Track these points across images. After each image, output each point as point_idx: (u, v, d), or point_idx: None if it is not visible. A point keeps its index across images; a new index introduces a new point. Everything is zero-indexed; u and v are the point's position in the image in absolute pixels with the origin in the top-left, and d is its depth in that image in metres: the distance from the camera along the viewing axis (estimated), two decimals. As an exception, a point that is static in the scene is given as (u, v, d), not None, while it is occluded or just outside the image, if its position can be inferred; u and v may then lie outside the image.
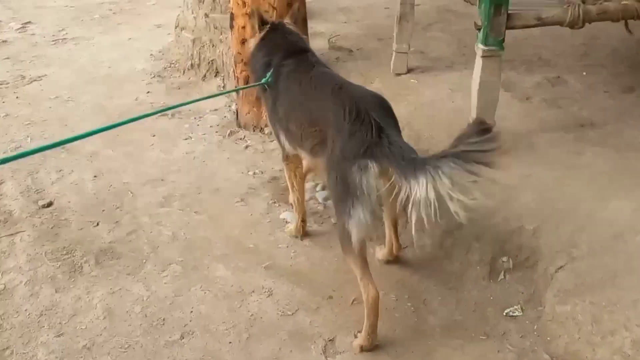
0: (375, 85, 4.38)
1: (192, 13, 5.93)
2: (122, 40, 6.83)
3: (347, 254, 2.58)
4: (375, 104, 2.61)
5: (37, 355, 2.68)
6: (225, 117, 4.91)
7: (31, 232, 3.51)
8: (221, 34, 5.62)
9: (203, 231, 3.46)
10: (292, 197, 3.40)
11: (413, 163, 2.25)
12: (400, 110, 3.88)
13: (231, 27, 4.71)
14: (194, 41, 5.82)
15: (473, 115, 3.43)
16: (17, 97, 5.39)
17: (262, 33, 3.23)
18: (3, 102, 5.33)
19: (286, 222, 3.49)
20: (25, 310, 2.95)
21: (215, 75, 5.64)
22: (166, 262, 3.21)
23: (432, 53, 5.09)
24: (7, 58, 6.42)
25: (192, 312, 2.86)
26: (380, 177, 2.39)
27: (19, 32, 7.27)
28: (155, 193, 3.85)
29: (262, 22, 3.27)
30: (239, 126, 4.72)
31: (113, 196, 3.84)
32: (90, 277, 3.13)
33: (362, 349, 2.61)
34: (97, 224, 3.56)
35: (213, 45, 5.69)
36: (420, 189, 2.16)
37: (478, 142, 2.15)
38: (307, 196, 3.75)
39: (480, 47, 3.37)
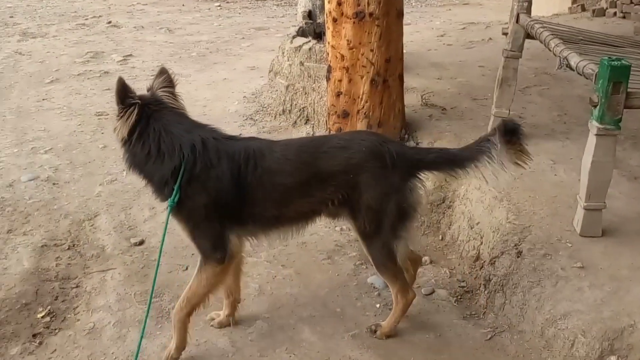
0: (471, 149, 4.26)
1: (288, 60, 6.03)
2: (217, 80, 7.04)
3: (393, 271, 2.85)
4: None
5: (121, 404, 2.68)
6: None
7: (122, 271, 3.57)
8: (314, 83, 5.68)
9: (290, 288, 3.41)
10: (187, 314, 2.89)
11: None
12: (498, 179, 3.77)
13: (327, 79, 4.76)
14: (287, 87, 5.91)
15: (582, 195, 3.25)
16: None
17: (132, 118, 2.63)
18: (102, 134, 5.55)
19: (374, 287, 3.40)
20: (112, 353, 2.98)
21: (306, 123, 5.67)
22: (252, 318, 3.17)
23: (530, 119, 4.92)
24: (108, 89, 6.72)
25: (276, 375, 2.80)
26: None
27: (120, 64, 7.64)
28: (243, 240, 3.84)
29: (126, 97, 2.64)
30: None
31: (202, 240, 3.86)
32: (177, 325, 3.12)
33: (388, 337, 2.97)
34: (186, 268, 3.58)
35: (306, 93, 5.74)
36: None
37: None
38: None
39: (594, 125, 3.21)
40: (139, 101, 2.66)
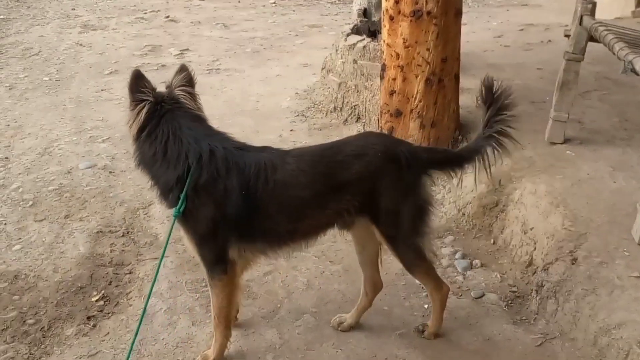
0: (527, 153, 4.17)
1: (341, 57, 6.03)
2: (271, 76, 7.10)
3: (423, 268, 2.87)
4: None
5: (170, 388, 2.74)
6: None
7: (174, 259, 3.65)
8: (367, 81, 5.67)
9: (337, 284, 3.42)
10: (223, 328, 2.82)
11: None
12: (554, 184, 3.68)
13: (381, 77, 4.73)
14: (339, 85, 5.91)
15: (644, 207, 3.14)
16: (170, 121, 5.71)
17: (142, 115, 2.57)
18: (158, 125, 5.67)
19: (422, 287, 3.36)
20: (163, 339, 3.05)
21: (357, 121, 5.67)
22: (300, 311, 3.19)
23: (590, 124, 4.78)
24: (164, 82, 6.84)
25: (322, 370, 2.80)
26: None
27: (177, 58, 7.79)
28: (292, 236, 3.87)
29: (138, 91, 2.58)
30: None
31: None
32: (225, 315, 3.17)
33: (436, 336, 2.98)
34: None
35: (358, 91, 5.73)
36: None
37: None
38: (445, 263, 3.62)
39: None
40: (150, 98, 2.59)
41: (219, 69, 7.39)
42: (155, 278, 2.77)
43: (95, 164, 4.87)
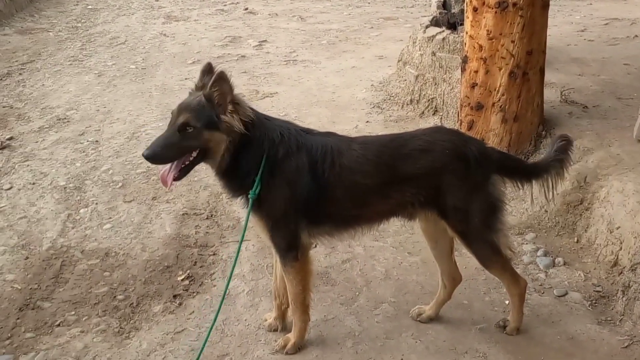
0: (614, 150, 4.02)
1: (419, 49, 5.99)
2: (346, 68, 7.14)
3: (499, 263, 2.85)
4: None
5: (252, 368, 2.84)
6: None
7: (256, 243, 3.76)
8: (445, 73, 5.60)
9: (416, 275, 3.43)
10: (301, 314, 2.88)
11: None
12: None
13: (462, 69, 4.66)
14: (416, 77, 5.87)
15: None
16: (250, 111, 5.85)
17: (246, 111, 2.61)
18: (238, 114, 5.83)
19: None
20: (245, 320, 3.15)
21: (434, 114, 5.62)
22: (379, 300, 3.23)
23: (682, 122, 4.56)
24: (245, 72, 7.05)
25: (402, 359, 2.82)
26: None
27: (256, 49, 7.96)
28: (370, 225, 3.91)
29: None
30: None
31: (330, 221, 3.97)
32: (305, 299, 3.25)
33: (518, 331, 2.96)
34: (315, 246, 3.69)
35: (436, 84, 5.68)
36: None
37: None
38: (526, 260, 3.56)
39: None
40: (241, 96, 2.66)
41: (295, 60, 7.50)
42: (235, 261, 2.85)
43: (179, 150, 5.05)
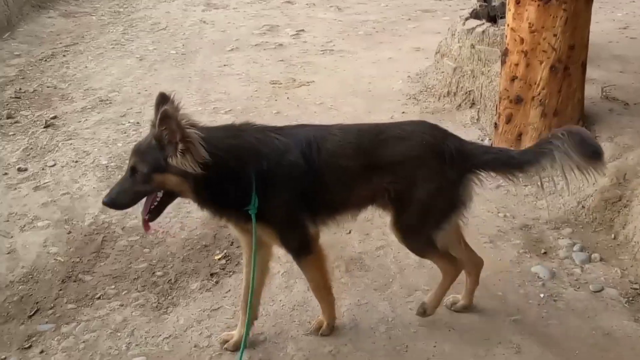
0: (656, 149, 3.96)
1: (458, 42, 5.95)
2: (382, 59, 7.13)
3: (432, 254, 2.86)
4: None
5: (286, 348, 2.90)
6: (477, 151, 4.83)
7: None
8: (484, 66, 5.56)
9: (450, 265, 3.43)
10: (327, 296, 2.92)
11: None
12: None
13: (502, 62, 4.63)
14: (454, 69, 5.84)
15: None
16: (287, 98, 5.91)
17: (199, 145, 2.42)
18: (275, 101, 5.90)
19: (538, 276, 3.32)
20: (280, 300, 3.21)
21: (471, 107, 5.59)
22: (412, 288, 3.25)
23: None
24: (282, 60, 7.10)
25: (435, 347, 2.85)
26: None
27: (293, 38, 8.01)
28: (405, 214, 3.93)
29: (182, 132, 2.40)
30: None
31: (365, 208, 4.00)
32: (339, 283, 3.29)
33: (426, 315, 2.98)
34: (350, 232, 3.74)
35: (474, 76, 5.65)
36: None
37: None
38: (562, 255, 3.54)
39: None
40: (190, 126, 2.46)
41: (332, 50, 7.51)
42: (252, 282, 2.71)
43: (220, 134, 5.14)
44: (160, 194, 2.55)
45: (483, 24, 5.85)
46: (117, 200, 2.55)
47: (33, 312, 3.21)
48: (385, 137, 2.72)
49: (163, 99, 2.55)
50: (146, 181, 2.48)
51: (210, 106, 5.74)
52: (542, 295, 3.16)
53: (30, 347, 2.98)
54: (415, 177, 2.67)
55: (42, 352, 2.94)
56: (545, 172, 2.66)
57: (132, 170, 2.50)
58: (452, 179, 2.69)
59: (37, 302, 3.30)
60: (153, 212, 2.58)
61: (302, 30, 8.32)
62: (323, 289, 2.89)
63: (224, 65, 6.92)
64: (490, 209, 4.00)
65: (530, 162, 2.65)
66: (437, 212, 2.73)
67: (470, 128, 5.23)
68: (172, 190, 2.54)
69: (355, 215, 2.91)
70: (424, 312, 2.97)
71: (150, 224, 2.62)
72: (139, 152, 2.50)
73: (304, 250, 2.75)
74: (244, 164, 2.54)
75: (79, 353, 2.93)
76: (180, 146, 2.39)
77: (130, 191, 2.52)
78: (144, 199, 2.58)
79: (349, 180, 2.71)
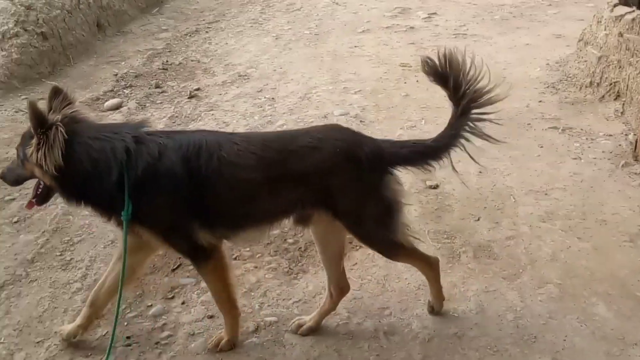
0: None
1: (604, 29, 5.61)
2: (519, 45, 6.88)
3: (404, 256, 2.85)
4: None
5: (411, 325, 2.95)
6: (620, 145, 4.57)
7: (417, 208, 3.84)
8: (632, 57, 5.20)
9: (585, 260, 3.31)
10: (230, 309, 2.80)
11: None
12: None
13: (656, 52, 4.32)
14: (599, 58, 5.52)
15: None
16: (417, 81, 5.87)
17: (59, 140, 2.41)
18: (404, 83, 5.90)
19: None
20: (406, 278, 3.26)
21: (615, 99, 5.27)
22: (543, 280, 3.17)
23: None
24: (412, 43, 7.06)
25: (565, 340, 2.78)
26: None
27: (425, 21, 7.92)
28: (538, 205, 3.83)
29: (42, 122, 2.41)
30: (636, 159, 4.34)
31: (495, 196, 3.94)
32: (467, 268, 3.29)
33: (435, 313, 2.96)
34: (478, 219, 3.70)
35: (620, 67, 5.30)
36: None
37: None
38: None
39: None
40: (59, 124, 2.45)
41: (465, 34, 7.35)
42: (120, 291, 2.79)
43: (348, 112, 5.25)
44: (42, 184, 2.63)
45: (633, 11, 5.46)
46: (6, 177, 2.74)
47: (176, 266, 3.48)
48: (294, 147, 2.58)
49: (55, 93, 2.58)
50: (21, 166, 2.62)
51: (340, 86, 5.85)
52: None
53: (173, 297, 3.24)
54: (331, 186, 2.56)
55: (183, 303, 3.20)
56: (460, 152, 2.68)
57: (16, 153, 2.65)
58: (371, 183, 2.61)
59: (179, 257, 3.50)
60: (39, 198, 2.68)
61: (435, 13, 8.19)
62: (225, 301, 2.77)
63: (355, 46, 6.99)
64: (632, 207, 3.79)
65: (443, 148, 2.67)
66: (376, 217, 2.65)
67: (613, 122, 4.94)
68: (42, 180, 2.60)
69: (266, 230, 2.79)
70: (432, 309, 2.99)
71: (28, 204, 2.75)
72: (22, 137, 2.61)
73: (199, 256, 2.65)
74: (107, 167, 2.45)
75: (216, 308, 3.15)
76: (34, 141, 2.46)
77: (14, 172, 2.69)
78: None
79: (251, 193, 2.57)
